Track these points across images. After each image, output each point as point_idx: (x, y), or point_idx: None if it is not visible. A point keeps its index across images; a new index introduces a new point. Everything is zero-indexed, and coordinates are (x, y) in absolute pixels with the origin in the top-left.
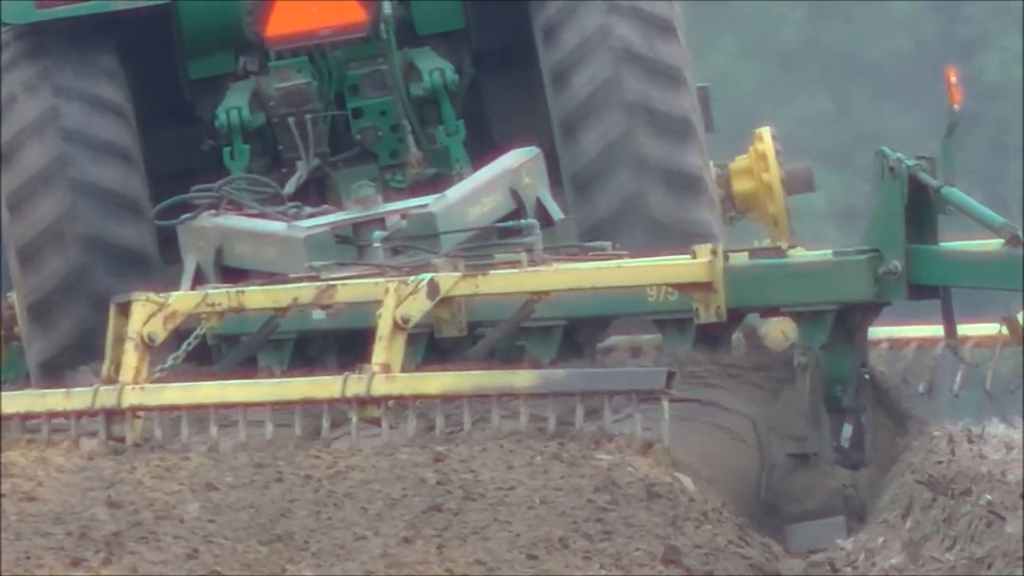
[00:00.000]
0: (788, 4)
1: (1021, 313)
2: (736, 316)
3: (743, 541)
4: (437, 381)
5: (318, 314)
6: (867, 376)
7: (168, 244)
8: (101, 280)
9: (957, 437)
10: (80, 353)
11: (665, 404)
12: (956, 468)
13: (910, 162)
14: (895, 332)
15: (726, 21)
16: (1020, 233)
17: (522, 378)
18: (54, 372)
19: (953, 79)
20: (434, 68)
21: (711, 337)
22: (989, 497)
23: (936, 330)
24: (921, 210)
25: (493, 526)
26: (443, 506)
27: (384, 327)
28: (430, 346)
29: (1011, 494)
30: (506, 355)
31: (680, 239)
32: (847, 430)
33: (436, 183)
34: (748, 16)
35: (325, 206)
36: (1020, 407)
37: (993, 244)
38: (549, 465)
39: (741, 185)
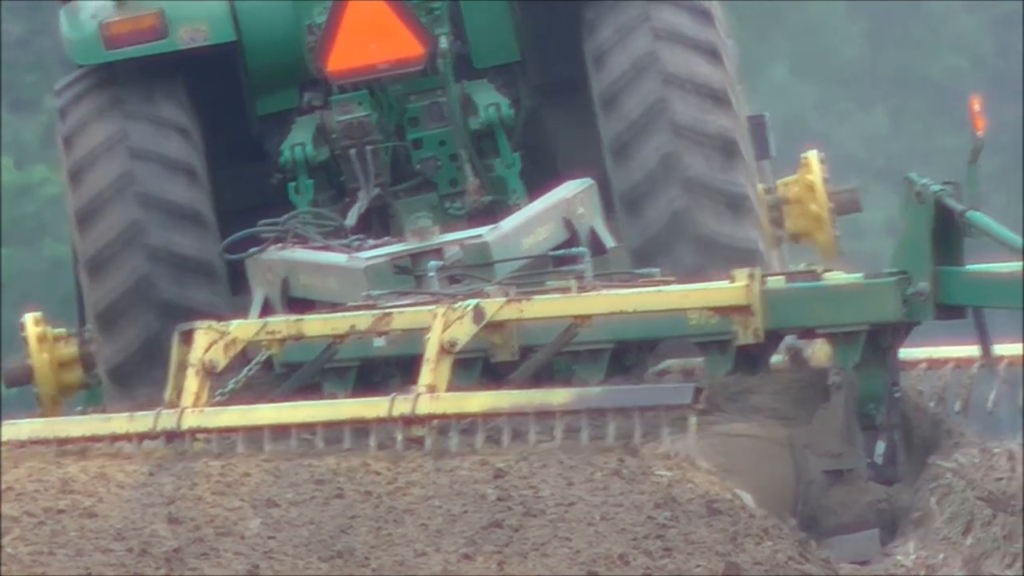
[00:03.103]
0: (843, 21)
1: None
2: (774, 338)
3: (803, 557)
4: (478, 400)
5: (378, 341)
6: (899, 395)
7: (237, 275)
8: (166, 289)
9: (1017, 454)
10: (147, 359)
11: (692, 419)
12: (1017, 485)
13: (936, 187)
14: (933, 352)
15: (782, 39)
16: None
17: (558, 396)
18: (123, 378)
19: (976, 107)
20: (490, 103)
21: (750, 358)
22: None
23: (973, 350)
24: (947, 233)
25: (553, 542)
26: (503, 522)
27: (431, 350)
28: (485, 371)
29: None
30: (562, 378)
31: (727, 256)
32: (880, 447)
33: (494, 210)
34: (804, 34)
35: (386, 237)
36: None
37: (1016, 265)
38: (609, 481)
39: (791, 217)
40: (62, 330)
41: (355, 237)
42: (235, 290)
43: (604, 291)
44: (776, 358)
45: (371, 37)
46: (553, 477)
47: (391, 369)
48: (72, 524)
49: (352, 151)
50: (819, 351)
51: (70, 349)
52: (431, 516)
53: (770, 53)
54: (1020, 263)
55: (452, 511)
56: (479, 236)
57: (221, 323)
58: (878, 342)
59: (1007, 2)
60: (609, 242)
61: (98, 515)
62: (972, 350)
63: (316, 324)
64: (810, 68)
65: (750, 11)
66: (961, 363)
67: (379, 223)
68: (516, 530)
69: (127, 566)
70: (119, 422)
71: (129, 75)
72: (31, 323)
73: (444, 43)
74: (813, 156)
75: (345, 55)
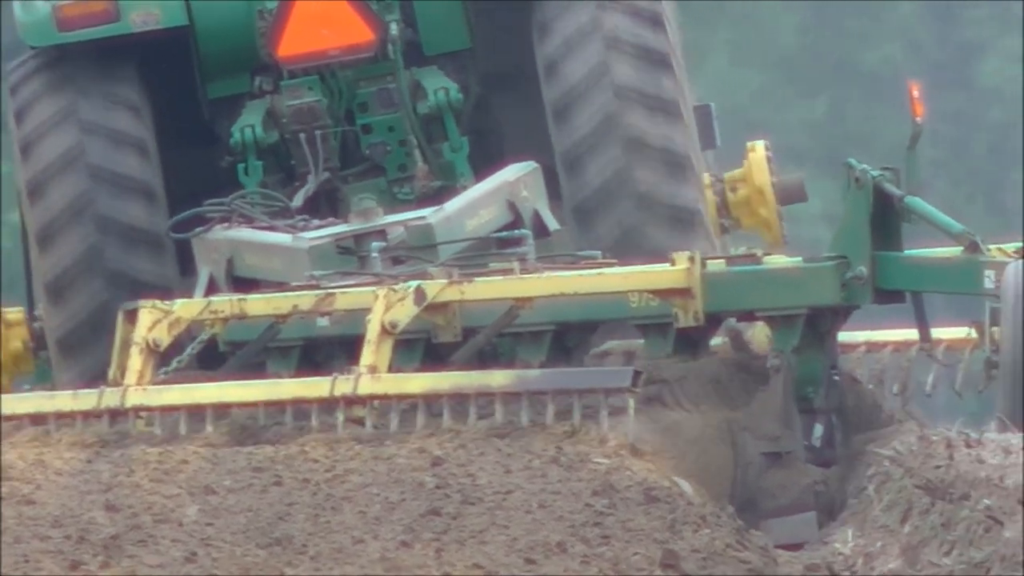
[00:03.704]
0: (782, 10)
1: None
2: (714, 320)
3: (741, 545)
4: (419, 381)
5: (322, 321)
6: (837, 378)
7: (186, 255)
8: (114, 258)
9: (955, 441)
10: (94, 329)
11: (631, 402)
12: (955, 472)
13: (875, 173)
14: (872, 336)
15: (722, 27)
16: (978, 240)
17: (498, 378)
18: (71, 348)
19: (915, 93)
20: (439, 87)
21: (691, 341)
22: (988, 502)
23: (911, 334)
24: (886, 219)
25: (491, 530)
26: (441, 510)
27: (372, 331)
28: (428, 352)
29: (1009, 498)
30: (506, 360)
31: (667, 214)
32: (818, 429)
33: (442, 195)
34: (743, 22)
35: (331, 219)
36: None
37: (954, 251)
38: (547, 469)
39: (735, 195)
40: (17, 309)
41: (300, 217)
42: (184, 270)
43: (545, 273)
44: (716, 340)
45: (322, 23)
46: (491, 465)
47: (334, 349)
48: (10, 511)
49: (302, 135)
50: (759, 333)
51: (20, 330)
52: (369, 504)
53: (710, 42)
54: (957, 248)
55: (390, 499)
56: (423, 217)
57: (165, 302)
58: (817, 325)
59: None
60: (552, 225)
61: (36, 502)
62: (911, 334)
63: (259, 304)
64: (749, 57)
65: (690, 1)
66: (900, 347)
67: (328, 207)
68: (454, 518)
69: (65, 553)
70: (63, 400)
71: (83, 70)
72: None
73: (395, 30)
74: (760, 150)
75: (296, 41)
